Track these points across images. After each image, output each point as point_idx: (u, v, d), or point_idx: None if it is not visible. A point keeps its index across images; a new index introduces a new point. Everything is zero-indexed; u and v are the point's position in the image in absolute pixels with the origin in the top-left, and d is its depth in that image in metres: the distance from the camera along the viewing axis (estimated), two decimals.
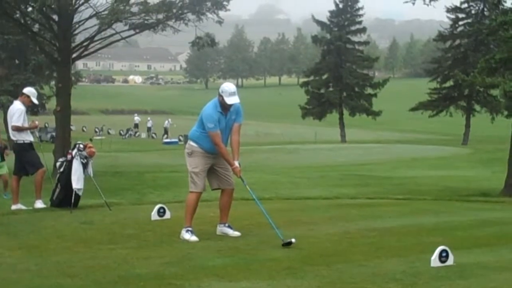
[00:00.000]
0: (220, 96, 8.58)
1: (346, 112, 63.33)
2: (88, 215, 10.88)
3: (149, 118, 72.35)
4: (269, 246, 8.17)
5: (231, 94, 8.55)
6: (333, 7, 64.82)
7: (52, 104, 38.55)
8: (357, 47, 66.46)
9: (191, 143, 8.88)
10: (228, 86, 8.69)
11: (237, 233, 8.93)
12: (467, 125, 56.18)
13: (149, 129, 68.73)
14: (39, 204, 12.35)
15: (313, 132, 63.09)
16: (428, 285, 6.41)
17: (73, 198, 11.45)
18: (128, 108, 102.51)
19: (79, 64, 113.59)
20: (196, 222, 9.02)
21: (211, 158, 8.78)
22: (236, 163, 8.66)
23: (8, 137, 13.45)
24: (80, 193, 11.64)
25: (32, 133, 12.51)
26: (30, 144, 12.35)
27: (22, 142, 12.23)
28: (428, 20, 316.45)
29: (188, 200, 8.90)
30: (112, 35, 27.91)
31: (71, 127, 29.09)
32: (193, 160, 8.81)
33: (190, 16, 27.06)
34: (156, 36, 29.12)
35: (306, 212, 11.21)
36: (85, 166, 11.68)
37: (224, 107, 8.62)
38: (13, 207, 12.31)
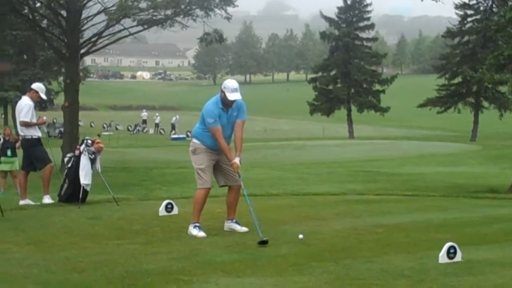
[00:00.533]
0: (222, 92, 8.61)
1: (354, 108, 63.21)
2: (96, 210, 10.91)
3: (157, 114, 72.43)
4: (276, 242, 8.16)
5: (233, 90, 8.57)
6: (341, 3, 64.72)
7: (60, 99, 38.61)
8: (365, 43, 66.32)
9: (194, 140, 8.93)
10: (230, 82, 8.73)
11: (244, 229, 8.93)
12: (475, 122, 55.99)
13: (157, 125, 68.83)
14: (47, 199, 12.37)
15: (321, 128, 63.11)
16: (436, 282, 6.38)
17: (81, 193, 11.47)
18: (136, 104, 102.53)
19: (87, 60, 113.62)
20: (204, 218, 9.03)
21: (215, 155, 8.79)
22: (236, 159, 8.65)
23: (17, 132, 13.47)
24: (88, 188, 11.67)
25: (39, 128, 12.52)
26: (38, 139, 12.36)
27: (30, 137, 12.24)
28: (437, 17, 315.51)
29: (196, 196, 8.90)
30: (120, 30, 27.97)
31: (79, 123, 29.09)
32: (197, 157, 8.82)
33: (198, 12, 27.14)
34: (164, 32, 29.21)
35: (313, 208, 11.18)
36: (93, 161, 11.71)
37: (226, 103, 8.64)
38: (21, 202, 12.35)
